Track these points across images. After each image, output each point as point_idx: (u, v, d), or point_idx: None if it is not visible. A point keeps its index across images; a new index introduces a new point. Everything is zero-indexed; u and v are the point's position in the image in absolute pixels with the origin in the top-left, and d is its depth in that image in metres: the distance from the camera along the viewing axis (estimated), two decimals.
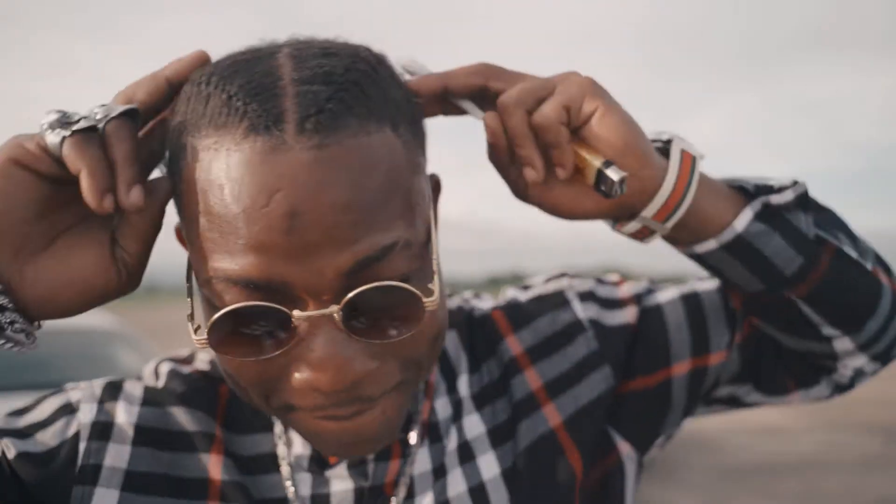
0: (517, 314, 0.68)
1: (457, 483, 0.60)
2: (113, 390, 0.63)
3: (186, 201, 0.49)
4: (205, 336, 0.48)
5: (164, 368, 0.67)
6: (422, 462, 0.60)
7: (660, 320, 0.68)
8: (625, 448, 0.65)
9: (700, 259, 0.63)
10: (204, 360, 0.68)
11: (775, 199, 0.60)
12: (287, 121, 0.45)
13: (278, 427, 0.63)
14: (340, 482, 0.59)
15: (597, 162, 0.55)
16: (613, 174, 0.53)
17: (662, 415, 0.67)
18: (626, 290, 0.72)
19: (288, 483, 0.60)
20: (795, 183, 0.61)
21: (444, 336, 0.55)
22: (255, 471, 0.61)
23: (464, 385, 0.64)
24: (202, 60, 0.53)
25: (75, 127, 0.46)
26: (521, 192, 0.59)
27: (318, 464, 0.60)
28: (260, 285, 0.46)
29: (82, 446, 0.58)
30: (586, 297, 0.70)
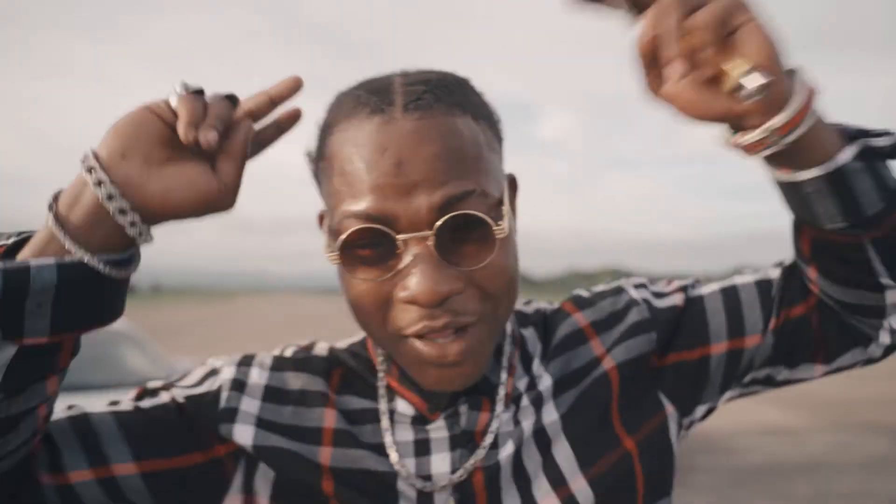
0: (582, 300, 0.83)
1: (526, 430, 0.74)
2: (248, 359, 0.78)
3: (326, 171, 0.68)
4: (337, 256, 0.64)
5: (290, 350, 0.81)
6: (506, 423, 0.74)
7: (701, 306, 0.80)
8: (669, 408, 0.79)
9: (794, 188, 0.66)
10: (323, 347, 0.82)
11: (874, 141, 0.65)
12: (396, 105, 0.64)
13: (381, 390, 0.76)
14: (437, 431, 0.73)
15: (745, 66, 0.59)
16: (760, 78, 0.58)
17: (701, 386, 0.80)
18: (673, 284, 0.84)
19: (387, 431, 0.73)
20: (889, 133, 0.66)
21: (516, 290, 0.69)
22: (360, 421, 0.75)
23: (538, 367, 0.78)
24: (298, 83, 0.69)
25: (189, 90, 0.63)
26: (656, 89, 0.63)
27: (420, 421, 0.74)
28: (375, 217, 0.62)
29: (223, 395, 0.73)
30: (640, 286, 0.83)
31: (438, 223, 0.62)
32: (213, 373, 0.77)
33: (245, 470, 0.73)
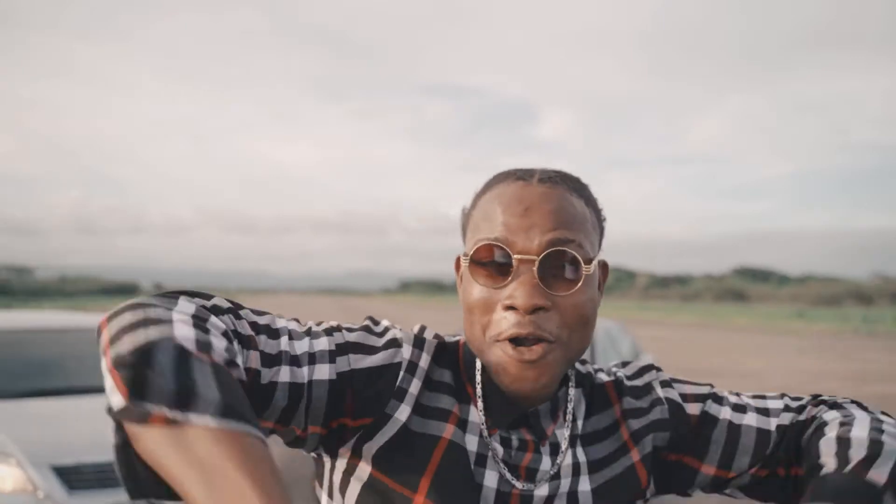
0: (622, 388, 0.96)
1: (563, 486, 0.88)
2: (420, 342, 0.89)
3: (473, 218, 0.89)
4: (468, 262, 0.85)
5: (438, 338, 0.93)
6: (545, 464, 0.88)
7: (710, 427, 0.93)
8: (651, 490, 0.94)
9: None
10: (450, 342, 0.94)
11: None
12: (534, 177, 0.86)
13: (471, 395, 0.91)
14: (493, 450, 0.88)
15: None
16: None
17: (686, 486, 0.95)
18: (694, 390, 0.96)
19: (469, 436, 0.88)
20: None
21: (588, 331, 0.86)
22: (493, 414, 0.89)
23: (580, 423, 0.93)
24: None
25: None
26: None
27: (480, 433, 0.89)
28: (500, 241, 0.82)
29: (401, 374, 0.86)
30: (666, 384, 0.96)
31: (544, 253, 0.81)
32: (395, 343, 0.88)
33: (386, 430, 0.86)
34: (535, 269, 0.81)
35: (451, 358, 0.92)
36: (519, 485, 0.87)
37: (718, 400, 0.95)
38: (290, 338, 0.82)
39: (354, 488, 0.86)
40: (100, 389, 4.73)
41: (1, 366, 4.71)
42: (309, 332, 0.84)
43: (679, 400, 0.94)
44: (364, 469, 0.86)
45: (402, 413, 0.86)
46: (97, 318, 5.80)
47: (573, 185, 0.87)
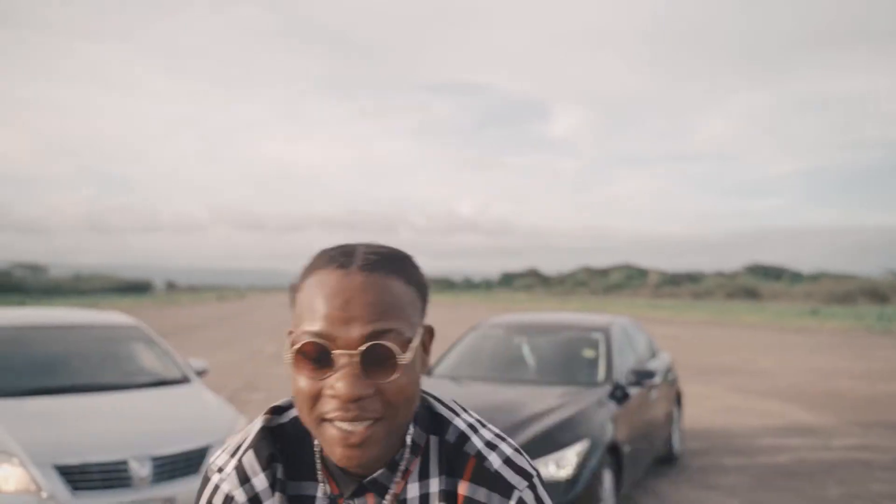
0: (481, 474, 0.95)
1: None
2: (242, 478, 0.97)
3: (299, 301, 0.91)
4: (291, 358, 0.88)
5: (243, 449, 0.99)
6: None
7: None
8: None
9: None
10: (254, 440, 0.99)
11: None
12: (354, 264, 0.90)
13: (319, 475, 0.98)
14: None
15: None
16: None
17: None
18: None
19: None
20: None
21: (411, 406, 0.92)
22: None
23: (434, 483, 0.96)
24: None
25: None
26: None
27: (331, 500, 0.97)
28: (322, 336, 0.87)
29: None
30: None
31: (362, 347, 0.86)
32: (229, 502, 0.96)
33: None
34: (356, 361, 0.86)
35: (297, 440, 1.00)
36: None
37: None
38: None
39: None
40: (106, 387, 4.72)
41: (5, 363, 4.69)
42: None
43: None
44: None
45: None
46: (103, 315, 5.78)
47: (392, 268, 0.91)
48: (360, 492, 0.95)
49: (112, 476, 3.78)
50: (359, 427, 0.86)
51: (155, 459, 3.91)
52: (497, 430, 1.01)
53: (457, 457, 0.97)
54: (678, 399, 7.14)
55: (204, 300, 72.06)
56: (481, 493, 0.95)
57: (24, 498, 3.58)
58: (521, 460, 0.98)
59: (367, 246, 0.93)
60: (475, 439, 0.98)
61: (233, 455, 0.98)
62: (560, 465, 4.05)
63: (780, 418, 9.20)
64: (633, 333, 6.46)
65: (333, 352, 0.86)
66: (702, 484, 6.08)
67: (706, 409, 9.74)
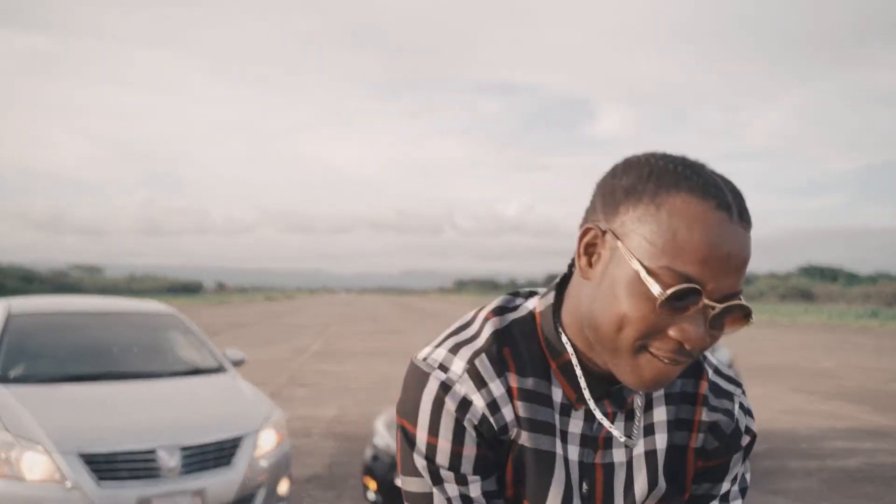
0: (709, 377, 1.01)
1: (638, 448, 0.97)
2: (480, 381, 0.93)
3: (655, 218, 0.83)
4: (660, 295, 0.80)
5: (483, 348, 0.95)
6: (619, 430, 0.96)
7: (727, 464, 1.02)
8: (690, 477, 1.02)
9: None
10: (488, 333, 0.96)
11: None
12: (733, 210, 0.83)
13: (553, 375, 0.96)
14: (575, 426, 0.95)
15: None
16: None
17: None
18: (752, 431, 1.03)
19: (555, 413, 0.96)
20: None
21: None
22: (534, 400, 0.95)
23: (657, 396, 0.99)
24: None
25: None
26: None
27: (565, 410, 0.95)
28: (695, 280, 0.81)
29: (492, 420, 0.93)
30: (744, 409, 1.02)
31: (725, 304, 0.82)
32: (465, 406, 0.91)
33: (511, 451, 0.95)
34: (713, 313, 0.82)
35: (524, 342, 0.96)
36: (600, 456, 0.96)
37: (740, 473, 1.05)
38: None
39: None
40: (140, 375, 4.57)
41: (39, 350, 4.57)
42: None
43: (743, 429, 1.02)
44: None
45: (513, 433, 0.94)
46: (140, 303, 5.67)
47: (750, 221, 0.86)
48: (596, 397, 0.95)
49: (139, 466, 3.59)
50: (674, 368, 0.85)
51: (184, 450, 3.72)
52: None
53: (688, 377, 1.01)
54: None
55: (252, 300, 73.25)
56: (712, 396, 1.00)
57: (47, 487, 3.42)
58: (728, 371, 1.05)
59: (728, 185, 0.86)
60: (706, 363, 1.03)
61: (456, 354, 0.93)
62: None
63: (850, 420, 8.66)
64: None
65: (704, 301, 0.81)
66: (766, 488, 5.66)
67: (768, 409, 9.25)
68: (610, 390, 0.94)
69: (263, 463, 4.04)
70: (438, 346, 0.95)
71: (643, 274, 0.82)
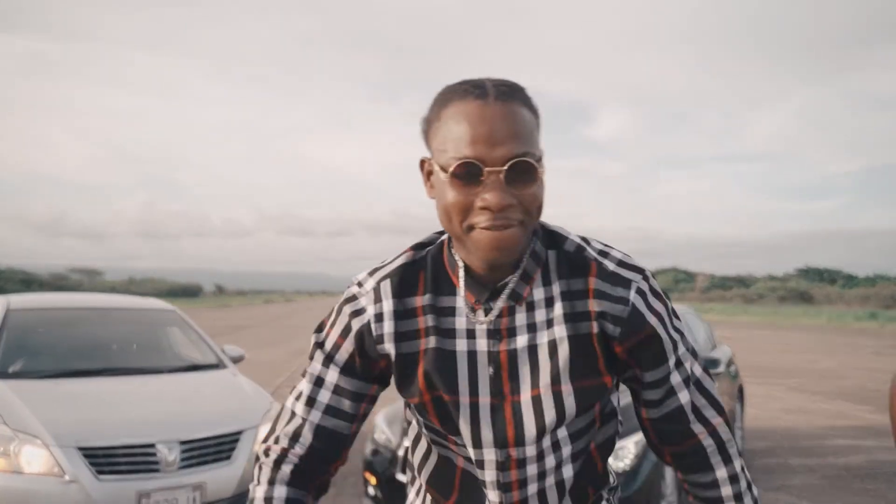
0: (602, 270, 1.12)
1: (540, 337, 1.11)
2: (378, 294, 1.15)
3: (440, 129, 1.05)
4: (448, 176, 1.02)
5: (392, 270, 1.17)
6: (523, 320, 1.11)
7: (644, 352, 1.13)
8: (608, 377, 1.14)
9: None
10: (403, 258, 1.18)
11: None
12: (489, 95, 1.02)
13: (458, 287, 1.15)
14: (480, 325, 1.12)
15: None
16: None
17: (621, 372, 1.18)
18: (666, 317, 1.14)
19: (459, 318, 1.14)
20: None
21: (540, 215, 1.07)
22: (442, 313, 1.15)
23: (556, 287, 1.12)
24: None
25: None
26: None
27: (469, 312, 1.13)
28: (474, 158, 1.00)
29: (373, 327, 1.14)
30: (642, 293, 1.12)
31: (507, 164, 1.00)
32: (358, 313, 1.14)
33: (393, 365, 1.16)
34: (501, 177, 0.99)
35: (430, 262, 1.16)
36: (503, 344, 1.11)
37: (681, 360, 1.15)
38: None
39: (409, 412, 1.26)
40: (139, 370, 4.54)
41: (38, 345, 4.55)
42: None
43: (644, 310, 1.10)
44: (402, 397, 1.18)
45: (391, 349, 1.14)
46: (139, 299, 5.65)
47: (520, 97, 1.04)
48: (493, 297, 1.11)
49: (138, 460, 3.57)
50: (504, 232, 1.01)
51: (184, 444, 3.69)
52: (603, 243, 1.17)
53: (578, 262, 1.13)
54: (740, 394, 6.71)
55: (252, 303, 73.20)
56: (606, 286, 1.11)
57: (46, 480, 3.39)
58: (631, 261, 1.14)
59: (492, 79, 1.05)
60: (590, 249, 1.15)
61: (371, 276, 1.16)
62: (618, 457, 3.71)
63: (851, 419, 8.64)
64: (693, 323, 6.07)
65: (486, 169, 0.99)
66: (768, 484, 5.63)
67: (769, 409, 9.23)
68: (498, 287, 1.10)
69: None
70: (368, 271, 1.17)
71: (436, 168, 1.04)
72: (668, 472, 4.00)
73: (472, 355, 1.11)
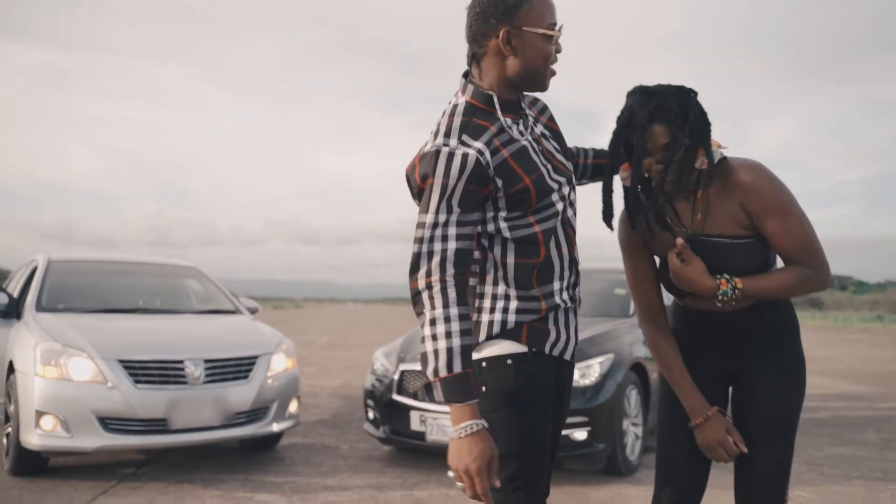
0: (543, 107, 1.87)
1: (544, 137, 1.74)
2: (467, 142, 1.58)
3: (531, 10, 1.60)
4: (556, 33, 1.63)
5: (461, 115, 1.65)
6: (526, 125, 1.72)
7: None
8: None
9: None
10: (463, 102, 1.69)
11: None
12: None
13: (501, 116, 1.67)
14: (517, 128, 1.68)
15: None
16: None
17: None
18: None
19: (510, 129, 1.66)
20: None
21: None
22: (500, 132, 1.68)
23: (529, 110, 1.78)
24: None
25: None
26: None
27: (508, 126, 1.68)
28: (554, 23, 1.64)
29: (483, 161, 1.56)
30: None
31: (560, 27, 1.62)
32: (465, 156, 1.54)
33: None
34: (558, 37, 1.63)
35: (476, 113, 1.61)
36: (529, 134, 1.68)
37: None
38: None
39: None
40: (167, 311, 5.14)
41: (81, 289, 5.16)
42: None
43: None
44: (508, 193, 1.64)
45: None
46: (166, 258, 6.24)
47: None
48: (515, 115, 1.67)
49: (169, 374, 4.15)
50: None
51: (208, 362, 4.28)
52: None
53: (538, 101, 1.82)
54: None
55: (262, 309, 73.71)
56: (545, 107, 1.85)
57: (92, 387, 3.98)
58: None
59: None
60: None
61: (448, 137, 1.57)
62: (584, 375, 4.25)
63: (828, 389, 9.11)
64: None
65: (557, 30, 1.61)
66: None
67: None
68: (516, 108, 1.68)
69: (276, 382, 4.59)
70: (432, 142, 1.57)
71: (541, 31, 1.60)
72: (633, 393, 4.54)
73: (530, 143, 1.66)
